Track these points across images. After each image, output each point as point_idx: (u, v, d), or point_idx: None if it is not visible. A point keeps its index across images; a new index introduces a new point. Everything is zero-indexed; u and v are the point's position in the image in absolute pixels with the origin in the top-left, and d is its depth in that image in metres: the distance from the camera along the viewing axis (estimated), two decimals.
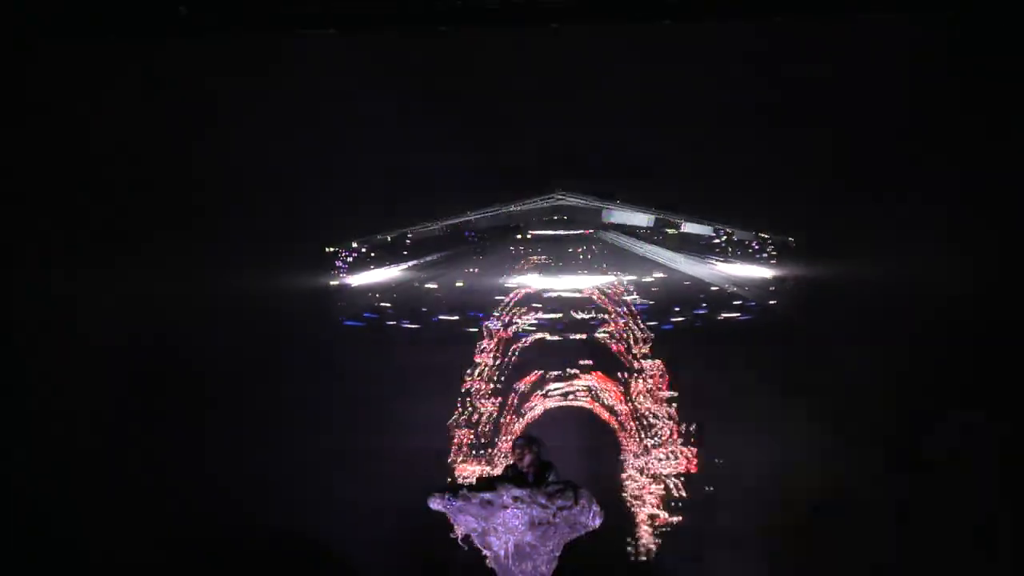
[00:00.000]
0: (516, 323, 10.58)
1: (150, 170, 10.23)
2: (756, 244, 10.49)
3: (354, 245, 10.62)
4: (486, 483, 7.70)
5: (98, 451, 9.94)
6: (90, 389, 10.04)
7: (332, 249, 10.59)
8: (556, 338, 10.60)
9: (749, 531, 10.04)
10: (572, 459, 9.80)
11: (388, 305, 10.56)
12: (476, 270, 10.67)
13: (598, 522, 7.83)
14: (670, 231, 10.63)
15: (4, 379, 9.91)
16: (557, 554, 7.84)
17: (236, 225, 10.32)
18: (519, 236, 10.70)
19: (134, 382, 10.13)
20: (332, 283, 10.58)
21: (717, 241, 10.59)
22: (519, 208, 10.67)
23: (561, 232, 10.70)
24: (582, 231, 10.68)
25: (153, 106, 10.13)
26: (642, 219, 10.66)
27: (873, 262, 10.07)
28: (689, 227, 10.65)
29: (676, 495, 10.21)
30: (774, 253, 10.44)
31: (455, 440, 10.30)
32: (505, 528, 7.61)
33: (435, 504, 7.72)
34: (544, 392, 10.50)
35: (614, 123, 10.20)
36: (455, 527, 7.75)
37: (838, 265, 10.19)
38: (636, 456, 10.35)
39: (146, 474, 10.03)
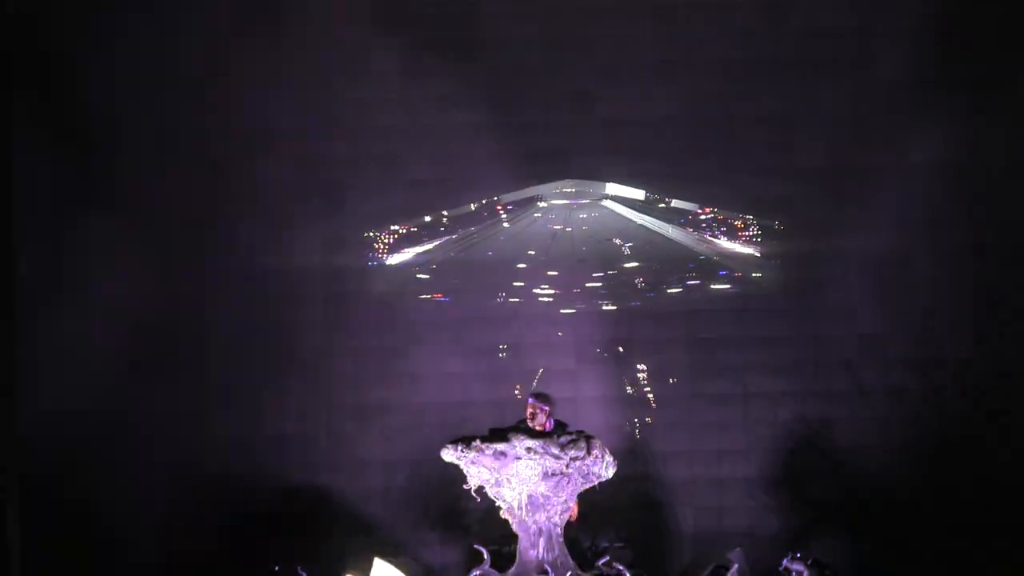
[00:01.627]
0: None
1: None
2: (742, 225, 10.54)
3: (394, 227, 10.62)
4: (499, 434, 7.70)
5: (117, 406, 10.00)
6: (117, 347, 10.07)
7: (371, 234, 10.57)
8: (570, 311, 10.59)
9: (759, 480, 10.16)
10: (587, 410, 9.89)
11: (426, 276, 10.57)
12: (504, 240, 10.68)
13: (612, 472, 7.85)
14: (663, 207, 10.66)
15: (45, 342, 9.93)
16: (571, 504, 7.86)
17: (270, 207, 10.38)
18: (541, 205, 10.72)
19: (153, 341, 10.15)
20: (370, 264, 10.57)
21: (705, 219, 10.64)
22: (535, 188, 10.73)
23: (574, 202, 10.74)
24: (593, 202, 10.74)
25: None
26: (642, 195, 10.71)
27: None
28: (680, 203, 10.68)
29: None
30: (759, 234, 10.49)
31: None
32: (518, 479, 7.61)
33: (448, 455, 7.73)
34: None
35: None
36: (468, 478, 7.75)
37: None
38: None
39: (162, 430, 10.08)
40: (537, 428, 8.16)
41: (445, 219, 10.69)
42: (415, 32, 10.16)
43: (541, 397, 8.44)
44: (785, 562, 8.13)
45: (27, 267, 9.80)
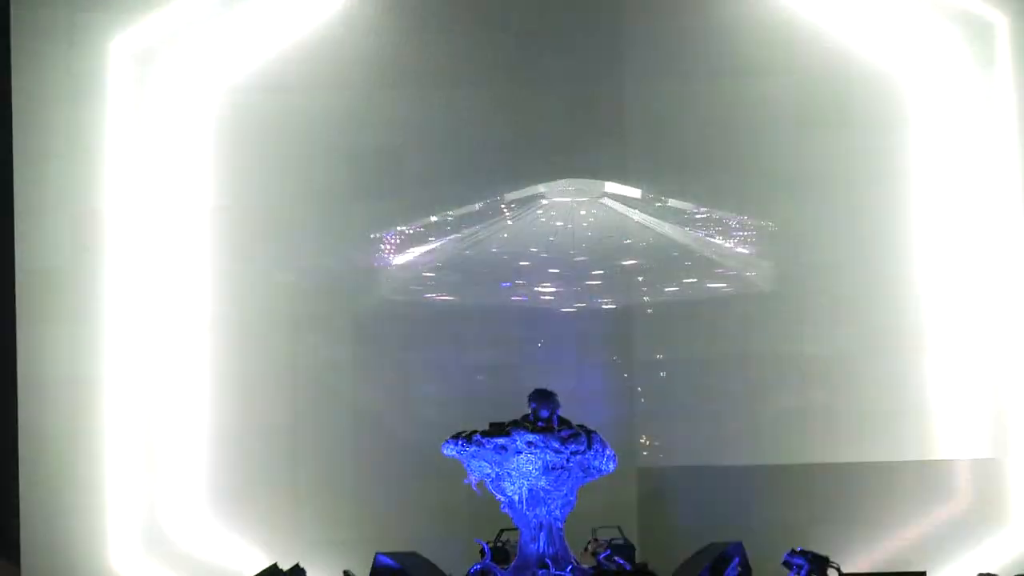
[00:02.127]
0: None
1: None
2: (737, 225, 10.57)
3: (399, 228, 10.63)
4: (500, 428, 7.70)
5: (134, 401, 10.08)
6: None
7: (376, 235, 10.58)
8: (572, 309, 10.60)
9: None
10: (588, 404, 9.90)
11: (432, 274, 10.58)
12: (506, 235, 10.68)
13: (612, 467, 7.85)
14: (659, 205, 10.66)
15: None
16: (572, 499, 7.86)
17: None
18: (544, 202, 10.72)
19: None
20: (376, 265, 10.58)
21: (700, 217, 10.66)
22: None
23: (573, 199, 10.75)
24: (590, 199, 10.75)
25: None
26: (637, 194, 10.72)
27: None
28: (674, 202, 10.70)
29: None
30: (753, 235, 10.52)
31: None
32: (519, 473, 7.62)
33: (449, 450, 7.74)
34: None
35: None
36: (469, 473, 7.76)
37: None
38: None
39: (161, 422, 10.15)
40: (542, 424, 8.15)
41: (450, 218, 10.70)
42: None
43: (543, 394, 8.42)
44: (786, 555, 8.12)
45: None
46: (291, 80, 10.32)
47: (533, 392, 8.12)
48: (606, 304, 10.56)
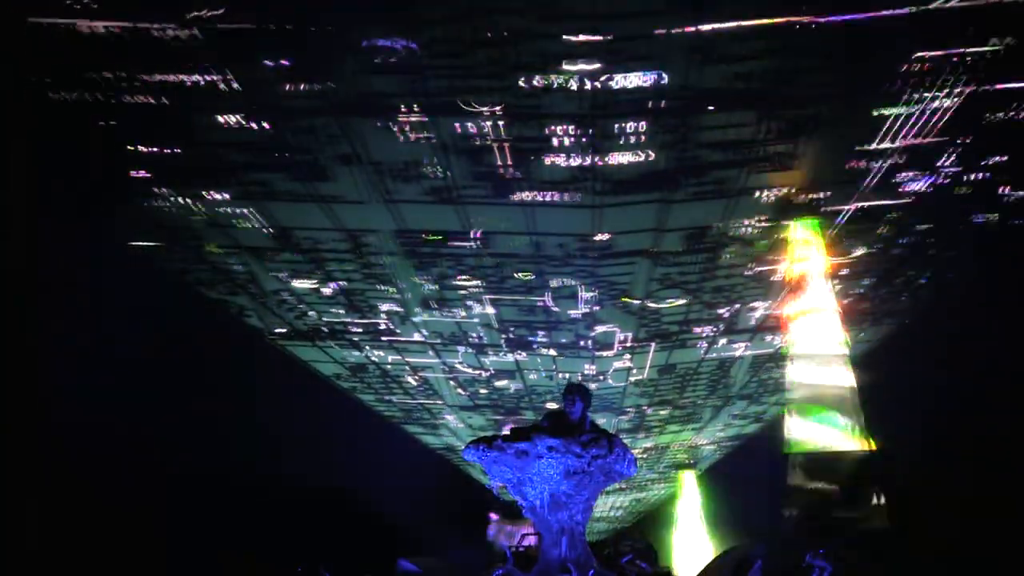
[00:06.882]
0: None
1: None
2: None
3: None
4: (521, 433, 7.69)
5: (148, 411, 10.11)
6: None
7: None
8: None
9: None
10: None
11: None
12: None
13: (633, 470, 7.81)
14: None
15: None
16: (593, 503, 7.84)
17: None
18: None
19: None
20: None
21: None
22: None
23: None
24: None
25: None
26: None
27: None
28: None
29: None
30: None
31: None
32: (540, 478, 7.60)
33: (470, 455, 7.73)
34: None
35: None
36: (490, 478, 7.75)
37: None
38: None
39: (189, 434, 10.19)
40: (573, 418, 8.10)
41: None
42: None
43: (579, 388, 8.40)
44: (808, 557, 8.10)
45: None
46: None
47: (568, 385, 8.13)
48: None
